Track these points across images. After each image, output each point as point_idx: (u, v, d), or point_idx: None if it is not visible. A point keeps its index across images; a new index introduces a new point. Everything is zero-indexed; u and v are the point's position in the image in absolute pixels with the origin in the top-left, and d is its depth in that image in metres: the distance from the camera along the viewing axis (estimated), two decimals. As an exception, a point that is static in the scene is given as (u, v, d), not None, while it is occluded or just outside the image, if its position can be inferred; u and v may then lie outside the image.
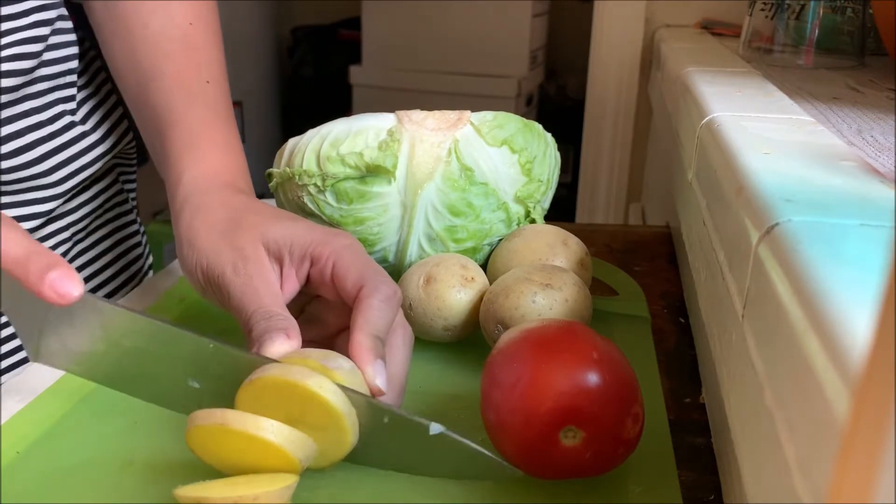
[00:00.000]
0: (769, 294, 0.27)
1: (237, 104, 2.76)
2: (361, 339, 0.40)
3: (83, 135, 0.61)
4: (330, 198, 0.52)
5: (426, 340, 0.51)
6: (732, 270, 0.34)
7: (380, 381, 0.39)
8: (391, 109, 0.54)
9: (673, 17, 1.21)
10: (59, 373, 0.48)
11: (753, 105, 0.51)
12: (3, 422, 0.43)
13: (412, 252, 0.54)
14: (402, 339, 0.43)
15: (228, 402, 0.37)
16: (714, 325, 0.40)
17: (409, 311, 0.50)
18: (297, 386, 0.35)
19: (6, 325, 0.60)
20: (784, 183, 0.33)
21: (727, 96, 0.54)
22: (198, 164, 0.50)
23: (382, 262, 0.55)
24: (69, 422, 0.44)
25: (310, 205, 0.53)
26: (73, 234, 0.64)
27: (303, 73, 2.95)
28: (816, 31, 0.72)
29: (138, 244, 0.72)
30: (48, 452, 0.41)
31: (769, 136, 0.42)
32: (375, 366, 0.39)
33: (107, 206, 0.67)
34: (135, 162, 0.72)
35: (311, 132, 0.54)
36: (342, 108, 2.48)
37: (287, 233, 0.44)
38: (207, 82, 0.55)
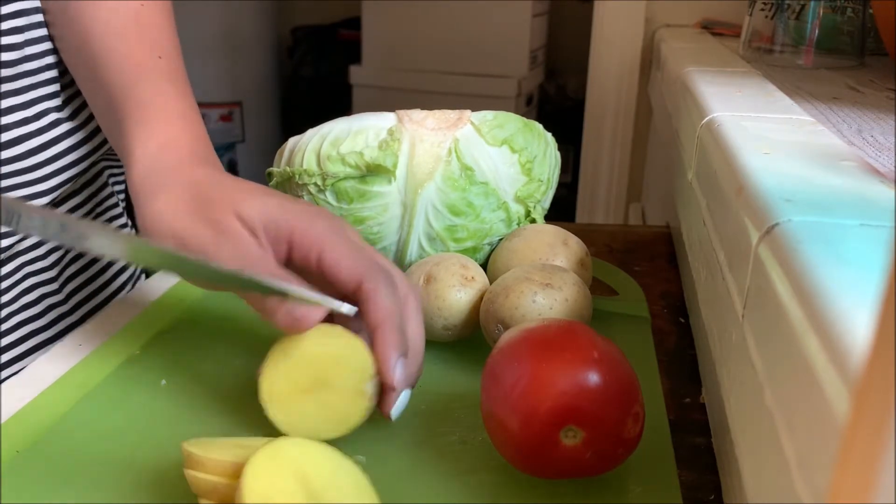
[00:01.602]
0: (769, 294, 0.27)
1: (237, 104, 2.76)
2: (388, 336, 0.40)
3: (70, 131, 0.60)
4: (330, 197, 0.52)
5: (426, 340, 0.51)
6: (732, 270, 0.34)
7: (398, 380, 0.40)
8: (391, 109, 0.54)
9: (673, 17, 1.21)
10: (60, 372, 0.48)
11: (753, 105, 0.51)
12: (3, 422, 0.43)
13: (412, 251, 0.54)
14: (413, 307, 0.43)
15: None
16: (714, 325, 0.40)
17: (409, 310, 0.50)
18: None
19: (6, 326, 0.60)
20: (784, 183, 0.33)
21: (727, 96, 0.54)
22: (152, 138, 0.47)
23: (382, 261, 0.55)
24: (69, 422, 0.44)
25: (310, 205, 0.53)
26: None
27: (303, 73, 2.95)
28: (816, 31, 0.72)
29: None
30: (48, 452, 0.41)
31: (769, 136, 0.42)
32: (399, 365, 0.40)
33: (98, 210, 0.66)
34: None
35: (311, 132, 0.54)
36: (342, 108, 2.48)
37: (262, 210, 0.42)
38: (159, 57, 0.53)
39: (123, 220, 0.71)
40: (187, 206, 0.43)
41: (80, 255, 0.66)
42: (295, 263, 0.42)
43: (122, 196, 0.72)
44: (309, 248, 0.41)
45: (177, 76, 0.54)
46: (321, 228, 0.41)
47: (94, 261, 0.67)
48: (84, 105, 0.62)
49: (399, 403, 0.41)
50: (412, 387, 0.42)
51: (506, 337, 0.39)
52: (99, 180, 0.67)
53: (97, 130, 0.63)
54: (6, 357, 0.60)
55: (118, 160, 0.70)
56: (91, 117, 0.62)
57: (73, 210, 0.64)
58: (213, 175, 0.45)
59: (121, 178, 0.71)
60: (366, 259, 0.41)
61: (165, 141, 0.47)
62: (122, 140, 0.49)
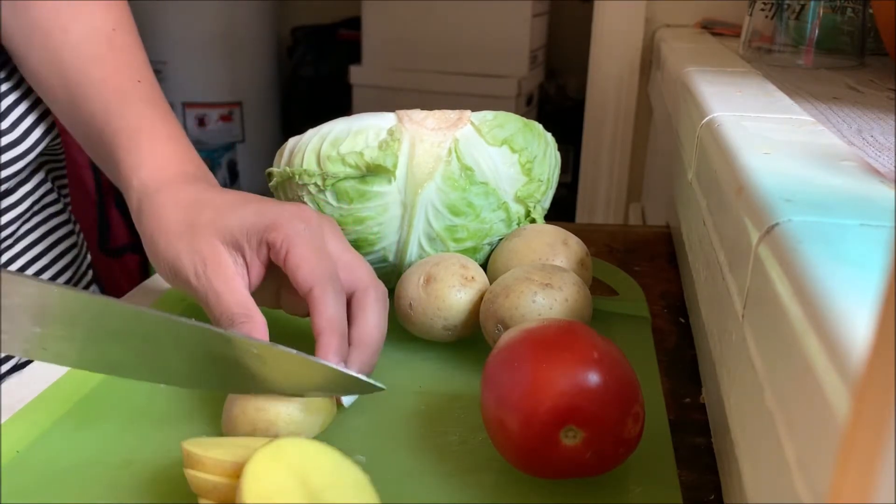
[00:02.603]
0: (769, 294, 0.27)
1: (237, 104, 2.76)
2: (327, 342, 0.42)
3: None
4: (330, 197, 0.52)
5: (426, 340, 0.51)
6: (732, 270, 0.34)
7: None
8: (391, 109, 0.54)
9: (673, 17, 1.21)
10: (59, 373, 0.48)
11: (753, 105, 0.51)
12: (3, 422, 0.43)
13: (412, 252, 0.54)
14: (372, 298, 0.44)
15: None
16: (714, 325, 0.40)
17: (409, 310, 0.50)
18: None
19: None
20: (784, 183, 0.33)
21: (727, 96, 0.54)
22: (144, 165, 0.50)
23: (382, 261, 0.55)
24: (69, 421, 0.44)
25: (310, 204, 0.53)
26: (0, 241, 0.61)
27: (303, 73, 2.95)
28: (816, 31, 0.72)
29: (73, 245, 0.69)
30: (48, 452, 0.41)
31: (769, 136, 0.42)
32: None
33: (35, 208, 0.65)
34: (63, 158, 0.69)
35: (311, 132, 0.54)
36: (342, 108, 2.48)
37: (240, 223, 0.44)
38: (139, 81, 0.54)
39: (65, 216, 0.69)
40: (177, 230, 0.46)
41: (23, 251, 0.64)
42: (277, 263, 0.45)
43: (65, 191, 0.70)
44: (279, 248, 0.44)
45: (156, 98, 0.55)
46: (291, 231, 0.44)
47: (36, 256, 0.65)
48: (13, 106, 0.60)
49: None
50: (366, 375, 0.44)
51: (505, 337, 0.39)
52: (34, 178, 0.64)
53: (29, 131, 0.60)
54: None
55: (58, 156, 0.68)
56: (21, 119, 0.60)
57: (8, 209, 0.62)
58: (199, 194, 0.47)
59: (62, 173, 0.69)
60: (323, 266, 0.43)
61: (156, 165, 0.50)
62: (116, 169, 0.51)
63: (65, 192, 0.70)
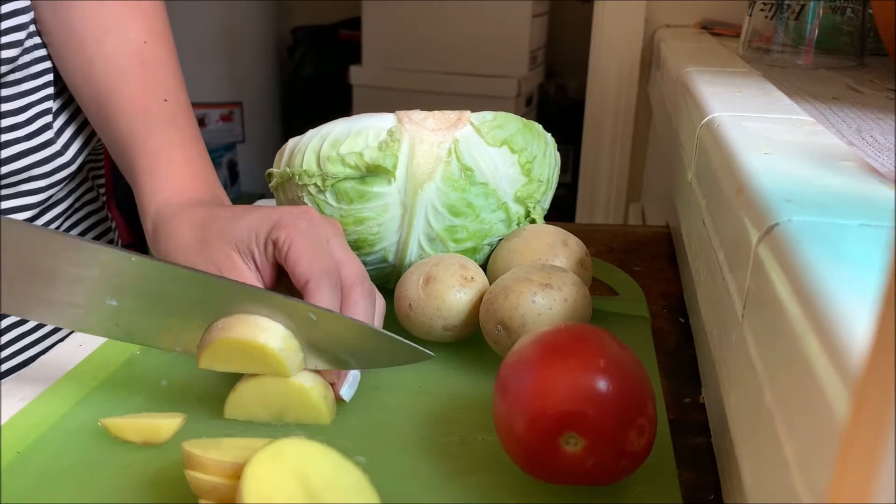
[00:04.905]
0: (769, 294, 0.27)
1: (237, 104, 2.76)
2: None
3: (49, 142, 0.60)
4: (330, 198, 0.52)
5: (426, 340, 0.51)
6: (732, 270, 0.34)
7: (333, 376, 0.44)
8: (391, 109, 0.54)
9: (673, 17, 1.21)
10: (60, 372, 0.48)
11: (753, 105, 0.51)
12: (3, 422, 0.43)
13: (412, 252, 0.54)
14: (358, 295, 0.45)
15: (146, 317, 0.42)
16: (714, 325, 0.40)
17: (408, 310, 0.50)
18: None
19: (8, 328, 0.60)
20: (784, 183, 0.33)
21: (727, 96, 0.54)
22: (161, 191, 0.51)
23: (382, 262, 0.55)
24: (69, 422, 0.44)
25: (310, 205, 0.53)
26: None
27: (303, 73, 2.95)
28: (816, 31, 0.72)
29: (111, 242, 0.71)
30: (48, 452, 0.41)
31: (769, 136, 0.42)
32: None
33: (77, 205, 0.66)
34: (102, 157, 0.71)
35: (311, 132, 0.54)
36: (342, 108, 2.48)
37: (248, 227, 0.46)
38: (165, 100, 0.55)
39: (104, 213, 0.70)
40: (191, 248, 0.47)
41: None
42: (278, 261, 0.46)
43: (102, 190, 0.71)
44: (282, 245, 0.45)
45: (182, 118, 0.56)
46: (294, 229, 0.45)
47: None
48: (62, 109, 0.62)
49: (348, 385, 0.45)
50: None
51: (522, 341, 0.39)
52: (79, 175, 0.66)
53: (77, 133, 0.62)
54: None
55: (98, 156, 0.70)
56: (70, 120, 0.62)
57: (55, 204, 0.63)
58: (210, 212, 0.49)
59: (100, 172, 0.71)
60: (321, 261, 0.45)
61: (172, 192, 0.51)
62: (134, 190, 0.53)
63: (102, 190, 0.72)
